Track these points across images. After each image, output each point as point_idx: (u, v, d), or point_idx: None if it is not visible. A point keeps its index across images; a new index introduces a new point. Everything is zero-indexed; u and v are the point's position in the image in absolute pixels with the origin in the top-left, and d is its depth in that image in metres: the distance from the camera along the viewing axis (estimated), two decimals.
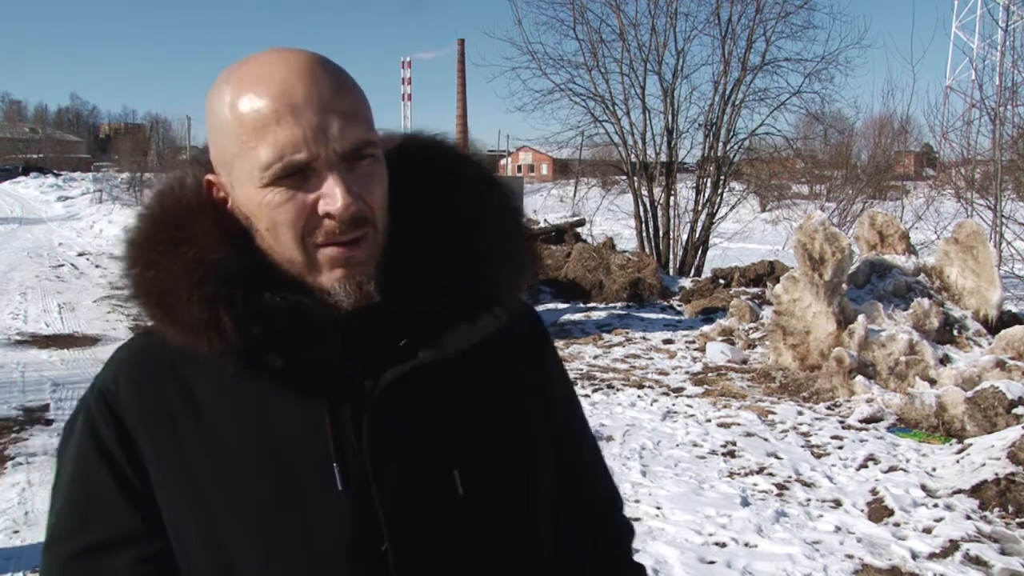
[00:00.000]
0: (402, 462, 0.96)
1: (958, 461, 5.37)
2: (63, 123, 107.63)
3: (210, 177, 0.98)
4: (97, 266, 17.02)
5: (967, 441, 5.73)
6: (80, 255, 18.97)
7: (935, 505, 4.72)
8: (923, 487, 5.01)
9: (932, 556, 4.14)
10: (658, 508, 4.70)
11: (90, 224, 26.59)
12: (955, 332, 7.94)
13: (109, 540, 0.96)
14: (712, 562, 4.07)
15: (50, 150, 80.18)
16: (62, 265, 17.08)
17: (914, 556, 4.14)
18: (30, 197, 42.48)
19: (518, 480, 1.04)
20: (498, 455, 1.02)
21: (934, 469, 5.36)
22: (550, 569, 1.10)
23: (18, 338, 9.56)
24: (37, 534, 4.39)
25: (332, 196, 0.90)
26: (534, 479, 1.06)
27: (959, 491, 4.86)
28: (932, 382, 6.79)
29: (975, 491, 4.81)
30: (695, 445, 5.88)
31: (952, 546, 4.21)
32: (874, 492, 4.98)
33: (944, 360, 7.20)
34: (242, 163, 0.91)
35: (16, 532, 4.40)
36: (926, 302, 7.89)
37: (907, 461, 5.52)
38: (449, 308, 0.99)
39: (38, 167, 63.75)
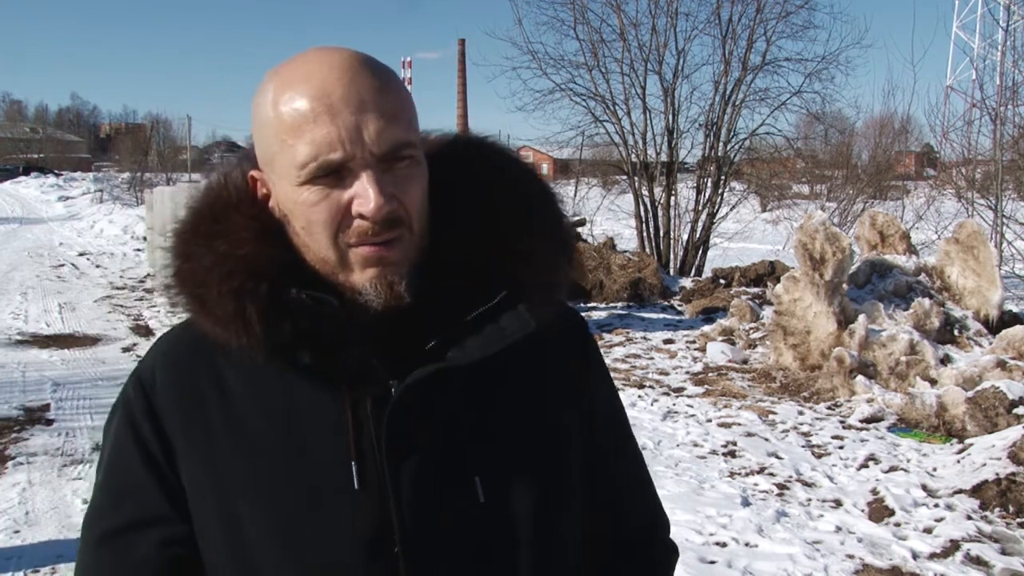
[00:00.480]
0: (421, 464, 0.96)
1: (959, 461, 5.37)
2: (64, 123, 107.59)
3: (254, 173, 1.00)
4: (97, 266, 17.03)
5: (968, 441, 5.73)
6: (81, 255, 18.97)
7: (936, 505, 4.72)
8: (924, 487, 5.01)
9: (933, 556, 4.14)
10: None
11: (91, 224, 26.56)
12: (956, 332, 7.94)
13: (136, 521, 0.99)
14: (713, 562, 4.07)
15: (51, 150, 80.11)
16: (63, 265, 17.08)
17: (915, 556, 4.14)
18: (31, 197, 42.47)
19: (544, 493, 1.01)
20: (524, 465, 1.01)
21: (935, 469, 5.36)
22: None
23: (19, 338, 9.57)
24: (38, 534, 4.39)
25: (365, 197, 0.90)
26: (562, 493, 1.04)
27: (960, 491, 4.86)
28: (933, 382, 6.79)
29: (976, 491, 4.81)
30: (696, 445, 5.88)
31: (953, 546, 4.21)
32: (875, 492, 4.98)
33: (945, 360, 7.20)
34: (281, 161, 0.93)
35: (17, 532, 4.40)
36: (927, 302, 7.89)
37: (908, 461, 5.52)
38: (480, 311, 0.98)
39: (39, 167, 63.71)
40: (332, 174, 0.90)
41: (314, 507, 0.95)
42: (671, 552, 1.20)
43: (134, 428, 1.01)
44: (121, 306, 11.98)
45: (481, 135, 1.11)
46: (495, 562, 0.98)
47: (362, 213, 0.90)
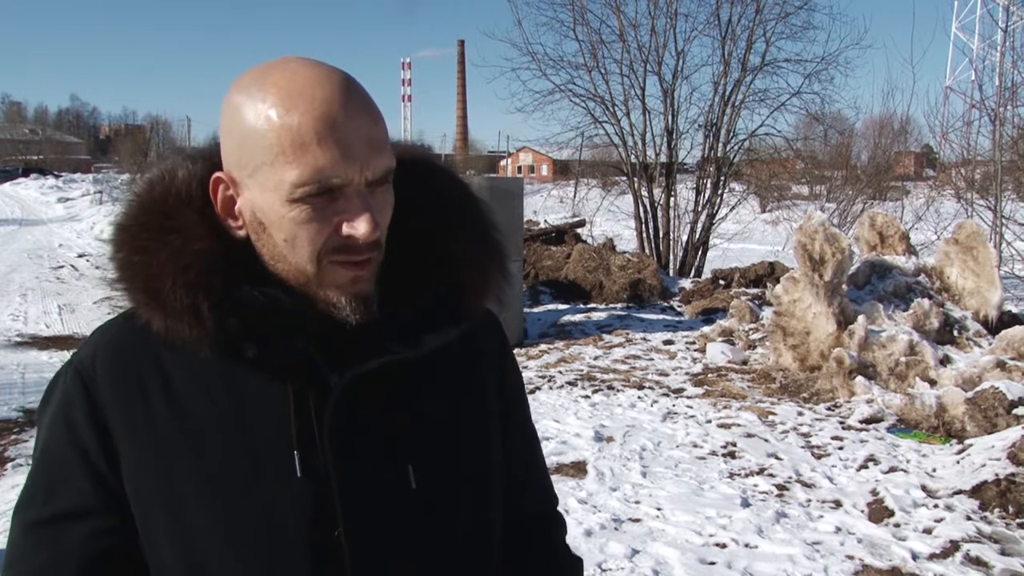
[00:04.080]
0: (360, 454, 1.01)
1: (958, 462, 5.37)
2: (63, 124, 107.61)
3: (220, 175, 1.00)
4: (97, 267, 17.01)
5: (967, 442, 5.73)
6: (80, 256, 18.96)
7: (935, 506, 4.72)
8: (923, 488, 5.01)
9: (932, 557, 4.14)
10: (658, 509, 4.70)
11: (90, 225, 26.57)
12: (955, 333, 7.94)
13: (67, 512, 0.99)
14: (713, 563, 4.06)
15: (50, 151, 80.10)
16: (62, 266, 17.08)
17: (914, 557, 4.14)
18: (30, 198, 42.48)
19: (470, 476, 1.09)
20: (452, 452, 1.08)
21: (934, 470, 5.36)
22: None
23: (18, 339, 9.57)
24: None
25: (360, 222, 0.95)
26: (486, 476, 1.12)
27: (959, 492, 4.86)
28: (932, 383, 6.79)
29: (975, 492, 4.81)
30: (695, 446, 5.88)
31: (952, 547, 4.21)
32: (874, 493, 4.97)
33: (944, 361, 7.20)
34: (270, 173, 0.94)
35: None
36: (926, 303, 7.89)
37: (907, 462, 5.52)
38: (415, 312, 1.05)
39: (38, 168, 63.73)
40: (325, 194, 0.94)
41: (257, 495, 0.98)
42: (563, 525, 1.32)
43: (70, 419, 1.01)
44: (120, 308, 11.93)
45: (410, 143, 1.18)
46: (429, 545, 1.04)
47: (353, 236, 0.95)
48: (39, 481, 1.02)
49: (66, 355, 8.70)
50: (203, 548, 0.98)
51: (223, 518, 0.98)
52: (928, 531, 4.42)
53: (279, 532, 0.98)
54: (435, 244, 1.08)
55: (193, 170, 1.03)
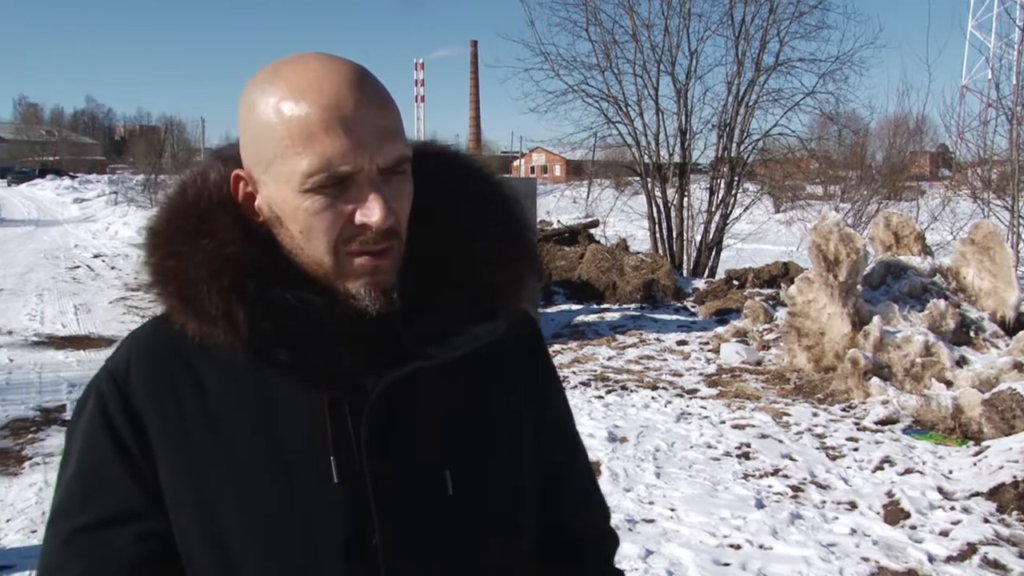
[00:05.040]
0: (397, 460, 1.00)
1: (975, 463, 5.33)
2: (79, 125, 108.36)
3: (239, 172, 1.00)
4: (112, 268, 17.13)
5: (984, 443, 5.69)
6: (96, 257, 19.10)
7: (952, 508, 4.69)
8: (940, 489, 4.98)
9: (949, 559, 4.11)
10: (672, 510, 4.69)
11: (105, 226, 26.76)
12: (972, 334, 7.88)
13: (111, 516, 0.98)
14: (727, 564, 4.05)
15: (66, 152, 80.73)
16: (78, 267, 17.20)
17: (931, 559, 4.11)
18: (46, 199, 42.82)
19: (506, 483, 1.08)
20: (487, 457, 1.06)
21: (951, 471, 5.32)
22: (536, 570, 1.14)
23: (35, 339, 9.64)
24: None
25: (372, 209, 0.94)
26: (521, 483, 1.10)
27: (976, 494, 4.83)
28: (948, 384, 6.75)
29: (993, 494, 4.77)
30: (709, 447, 5.86)
31: (970, 549, 4.18)
32: (890, 494, 4.95)
33: (961, 362, 7.15)
34: (282, 166, 0.94)
35: (34, 532, 4.43)
36: (942, 303, 7.83)
37: (923, 463, 5.49)
38: (451, 314, 1.03)
39: (54, 169, 64.29)
40: (337, 184, 0.93)
41: (292, 501, 0.97)
42: (616, 542, 1.28)
43: (108, 421, 1.00)
44: (136, 308, 12.04)
45: (444, 143, 1.16)
46: (464, 552, 1.02)
47: (366, 224, 0.94)
48: (75, 489, 1.00)
49: (82, 355, 8.78)
50: (237, 552, 0.97)
51: (258, 523, 0.97)
52: (945, 533, 4.39)
53: (315, 538, 0.97)
54: (470, 244, 1.06)
55: (225, 172, 1.02)
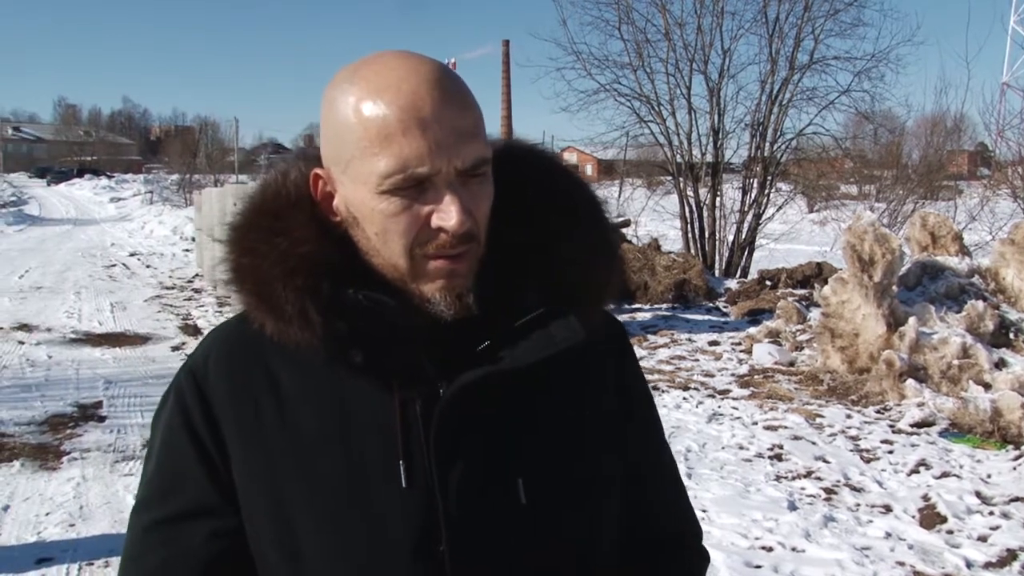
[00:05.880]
0: (468, 466, 0.98)
1: (1015, 468, 5.24)
2: (116, 126, 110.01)
3: (319, 171, 1.00)
4: (148, 266, 17.39)
5: None
6: (131, 255, 19.40)
7: (991, 513, 4.61)
8: (978, 494, 4.89)
9: (988, 565, 4.04)
10: (704, 511, 4.65)
11: (141, 225, 27.15)
12: (1011, 335, 7.74)
13: (187, 511, 1.01)
14: (759, 566, 4.02)
15: (103, 152, 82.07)
16: (114, 265, 17.48)
17: (969, 565, 4.04)
18: (84, 198, 43.58)
19: (582, 495, 1.04)
20: (565, 465, 1.03)
21: (989, 476, 5.23)
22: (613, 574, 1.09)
23: (73, 336, 9.80)
24: (92, 527, 4.49)
25: (448, 212, 0.92)
26: (599, 495, 1.06)
27: (1016, 499, 4.74)
28: (987, 386, 6.63)
29: None
30: (741, 448, 5.81)
31: (1009, 556, 4.10)
32: (926, 498, 4.87)
33: (1000, 364, 7.02)
34: (360, 166, 0.93)
35: (72, 525, 4.51)
36: (980, 304, 7.70)
37: (960, 467, 5.40)
38: (530, 318, 1.00)
39: (92, 169, 65.40)
40: (414, 186, 0.92)
41: (362, 504, 0.97)
42: (703, 559, 1.21)
43: (186, 418, 1.02)
44: (170, 306, 12.21)
45: (530, 142, 1.13)
46: (535, 562, 1.00)
47: (443, 227, 0.92)
48: (155, 482, 1.04)
49: (118, 352, 8.92)
50: (307, 555, 0.98)
51: (327, 527, 0.97)
52: (983, 539, 4.32)
53: (383, 543, 0.96)
54: (554, 245, 1.03)
55: (305, 171, 1.02)
